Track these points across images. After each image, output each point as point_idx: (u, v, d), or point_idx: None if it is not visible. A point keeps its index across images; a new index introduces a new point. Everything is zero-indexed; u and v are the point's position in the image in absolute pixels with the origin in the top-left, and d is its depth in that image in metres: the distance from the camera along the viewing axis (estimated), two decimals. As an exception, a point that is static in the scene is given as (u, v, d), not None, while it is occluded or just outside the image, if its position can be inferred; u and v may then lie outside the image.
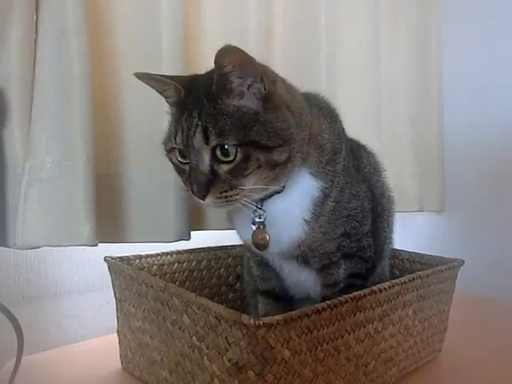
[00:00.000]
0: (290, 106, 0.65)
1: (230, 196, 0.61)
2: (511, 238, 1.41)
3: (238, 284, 1.08)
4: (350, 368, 0.69)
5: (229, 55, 0.58)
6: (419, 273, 0.80)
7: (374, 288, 0.70)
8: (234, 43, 0.68)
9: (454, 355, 0.94)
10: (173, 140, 0.64)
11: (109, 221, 0.89)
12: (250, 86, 0.61)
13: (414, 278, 0.78)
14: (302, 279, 0.79)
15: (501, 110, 1.44)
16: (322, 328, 0.62)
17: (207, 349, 0.63)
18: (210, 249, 1.05)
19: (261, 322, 0.54)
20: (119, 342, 0.86)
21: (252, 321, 0.54)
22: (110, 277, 0.85)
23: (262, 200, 0.68)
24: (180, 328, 0.68)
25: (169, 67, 0.92)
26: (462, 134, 1.55)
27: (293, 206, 0.69)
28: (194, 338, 0.65)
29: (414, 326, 0.82)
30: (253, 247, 0.71)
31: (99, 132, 0.86)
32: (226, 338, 0.59)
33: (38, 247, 0.81)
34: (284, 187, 0.67)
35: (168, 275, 0.96)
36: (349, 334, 0.67)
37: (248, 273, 0.95)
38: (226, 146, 0.59)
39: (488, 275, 1.42)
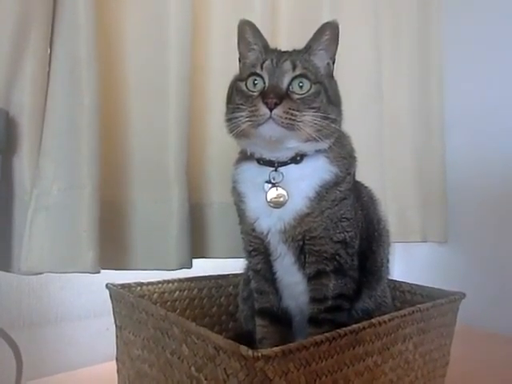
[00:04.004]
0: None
1: (294, 116, 0.68)
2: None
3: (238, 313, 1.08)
4: (349, 402, 0.68)
5: (332, 30, 0.76)
6: (419, 306, 0.80)
7: (374, 321, 0.70)
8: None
9: (456, 391, 0.93)
10: (258, 66, 0.73)
11: (111, 248, 0.90)
12: (326, 63, 0.77)
13: (413, 311, 0.78)
14: (295, 281, 0.79)
15: (503, 141, 1.46)
16: (320, 361, 0.62)
17: (206, 379, 0.63)
18: (211, 277, 1.05)
19: (259, 354, 0.54)
20: (118, 371, 0.85)
21: (250, 352, 0.54)
22: (111, 304, 0.85)
23: (279, 166, 0.75)
24: (179, 358, 0.67)
25: (175, 97, 0.95)
26: (464, 166, 1.57)
27: (302, 180, 0.75)
28: (193, 368, 0.65)
29: (415, 360, 0.81)
30: (269, 206, 0.74)
31: (105, 160, 0.88)
32: (224, 369, 0.59)
33: (42, 273, 0.82)
34: (302, 159, 0.75)
35: (169, 303, 0.96)
36: (348, 367, 0.66)
37: (242, 300, 0.96)
38: (301, 83, 0.71)
39: (491, 308, 1.40)
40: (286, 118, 0.68)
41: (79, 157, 0.82)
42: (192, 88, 1.00)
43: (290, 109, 0.68)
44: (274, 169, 0.75)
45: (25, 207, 0.81)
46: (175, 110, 0.95)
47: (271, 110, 0.67)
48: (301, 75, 0.72)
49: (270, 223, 0.75)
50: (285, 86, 0.71)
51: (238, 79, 0.76)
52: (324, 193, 0.74)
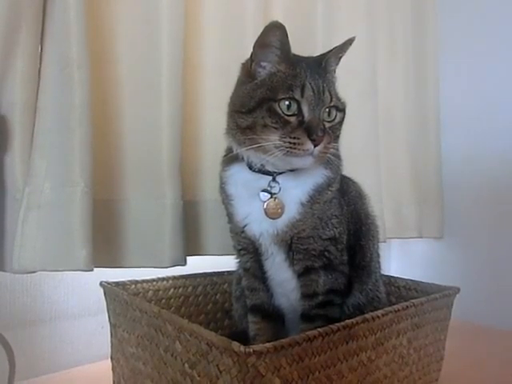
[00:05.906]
0: None
1: (328, 149, 0.70)
2: (510, 265, 1.41)
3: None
4: (343, 398, 0.68)
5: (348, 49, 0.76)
6: (413, 301, 0.80)
7: (367, 316, 0.70)
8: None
9: (451, 385, 0.93)
10: (297, 90, 0.69)
11: (105, 245, 0.90)
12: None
13: (407, 306, 0.78)
14: (286, 278, 0.79)
15: (498, 136, 1.46)
16: (313, 356, 0.62)
17: (199, 376, 0.63)
18: (205, 274, 1.05)
19: (251, 350, 0.54)
20: (113, 369, 0.85)
21: (242, 348, 0.54)
22: (105, 302, 0.85)
23: (278, 174, 0.74)
24: (172, 355, 0.67)
25: (167, 95, 0.95)
26: (460, 161, 1.57)
27: (296, 187, 0.75)
28: (186, 365, 0.65)
29: (409, 355, 0.81)
30: (266, 216, 0.74)
31: (98, 158, 0.88)
32: (217, 365, 0.59)
33: (35, 272, 0.82)
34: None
35: (164, 301, 0.96)
36: (341, 362, 0.67)
37: (235, 299, 0.96)
38: (329, 110, 0.71)
39: (487, 303, 1.40)
40: (323, 153, 0.69)
41: (71, 155, 0.81)
42: (185, 85, 0.99)
43: (328, 143, 0.69)
44: (271, 178, 0.74)
45: (17, 205, 0.81)
46: (168, 107, 0.95)
47: (315, 146, 0.67)
48: (333, 106, 0.72)
49: (262, 229, 0.76)
50: (321, 119, 0.70)
51: (271, 98, 0.68)
52: (317, 195, 0.75)
